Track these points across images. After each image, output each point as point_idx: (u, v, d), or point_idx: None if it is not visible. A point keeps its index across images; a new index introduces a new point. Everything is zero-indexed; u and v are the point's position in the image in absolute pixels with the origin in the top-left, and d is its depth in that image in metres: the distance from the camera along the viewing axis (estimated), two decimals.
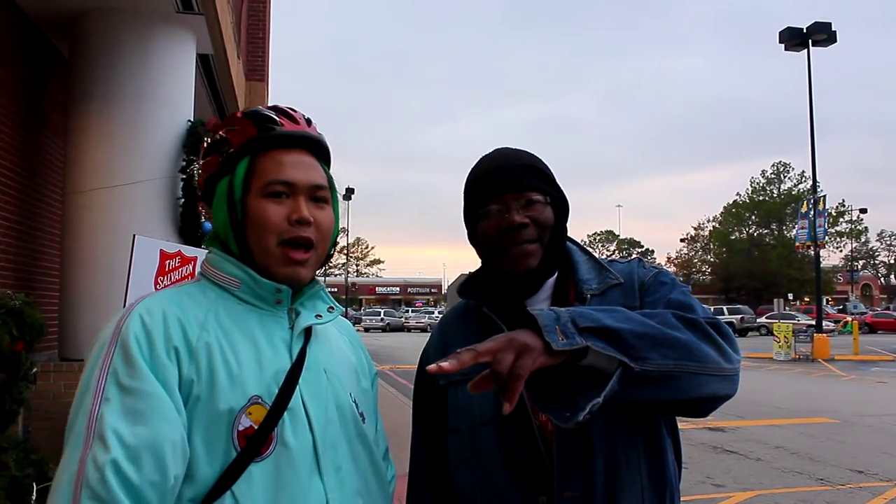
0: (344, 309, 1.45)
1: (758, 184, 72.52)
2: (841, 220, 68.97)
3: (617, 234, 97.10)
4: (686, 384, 1.20)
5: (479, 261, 1.53)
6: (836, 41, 28.94)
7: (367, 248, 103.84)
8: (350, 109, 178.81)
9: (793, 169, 70.91)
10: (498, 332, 1.37)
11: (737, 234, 73.20)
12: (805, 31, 28.85)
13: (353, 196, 64.06)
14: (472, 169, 1.49)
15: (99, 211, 5.80)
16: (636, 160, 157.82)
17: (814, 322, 29.34)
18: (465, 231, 1.51)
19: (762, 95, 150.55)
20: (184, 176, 6.05)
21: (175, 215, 6.04)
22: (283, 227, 1.27)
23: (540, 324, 1.10)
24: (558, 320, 1.11)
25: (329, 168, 1.39)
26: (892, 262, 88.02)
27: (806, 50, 28.79)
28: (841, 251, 74.50)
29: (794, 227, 43.59)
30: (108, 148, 5.89)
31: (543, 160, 1.49)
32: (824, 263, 50.83)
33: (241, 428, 1.16)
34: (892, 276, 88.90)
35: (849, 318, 41.51)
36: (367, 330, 51.70)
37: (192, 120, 6.36)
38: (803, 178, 66.89)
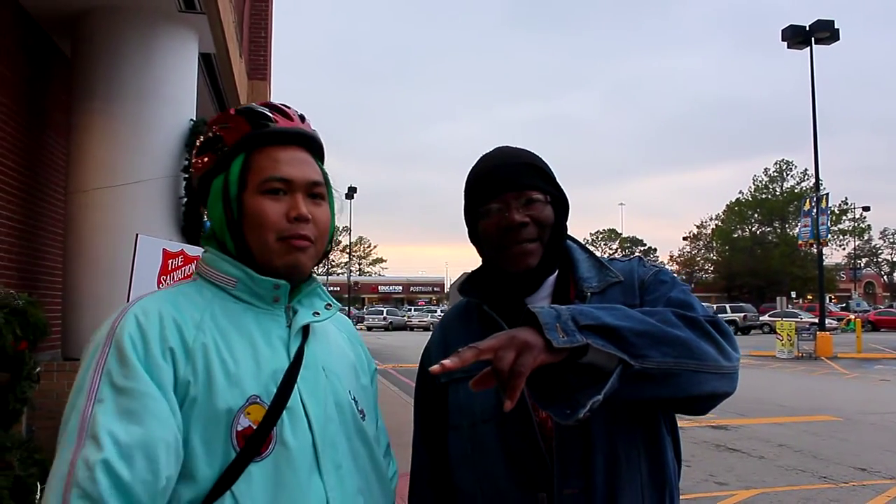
0: (341, 305, 1.43)
1: (760, 182, 72.47)
2: (844, 217, 68.85)
3: (619, 232, 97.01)
4: (686, 382, 1.20)
5: (481, 259, 1.53)
6: (838, 39, 28.94)
7: (369, 246, 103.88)
8: (352, 108, 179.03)
9: (795, 167, 70.86)
10: (499, 331, 1.38)
11: (739, 232, 73.16)
12: (808, 29, 28.84)
13: (355, 195, 64.13)
14: (473, 167, 1.49)
15: (101, 210, 5.81)
16: (638, 159, 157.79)
17: (817, 320, 29.35)
18: (467, 230, 1.51)
19: (764, 94, 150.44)
20: (186, 175, 6.06)
21: (178, 214, 6.05)
22: (283, 225, 1.27)
23: (540, 321, 1.10)
24: (559, 318, 1.12)
25: (323, 164, 1.39)
26: (895, 259, 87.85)
27: (809, 48, 28.76)
28: (844, 249, 74.40)
29: (796, 225, 43.49)
30: (111, 147, 5.90)
31: (544, 159, 1.49)
32: (827, 261, 50.83)
33: (239, 428, 1.15)
34: (895, 274, 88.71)
35: (852, 316, 41.44)
36: (369, 329, 51.70)
37: (194, 119, 6.37)
38: (806, 176, 66.85)
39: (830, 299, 59.03)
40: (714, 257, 76.23)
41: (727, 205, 75.27)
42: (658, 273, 1.46)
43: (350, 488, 1.25)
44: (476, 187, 1.46)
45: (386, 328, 51.74)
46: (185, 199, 6.06)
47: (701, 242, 78.35)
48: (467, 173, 1.50)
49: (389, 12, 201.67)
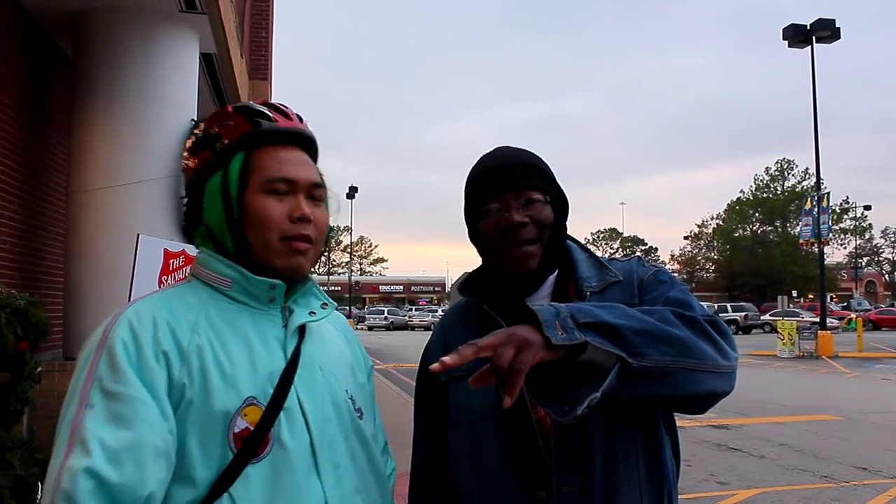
0: (337, 305, 1.43)
1: (761, 181, 72.42)
2: (845, 217, 68.83)
3: (620, 231, 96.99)
4: (683, 380, 1.21)
5: (481, 259, 1.54)
6: (839, 38, 28.92)
7: (370, 246, 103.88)
8: (353, 107, 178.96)
9: (796, 166, 70.83)
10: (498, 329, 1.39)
11: (740, 231, 73.13)
12: (809, 27, 28.82)
13: (356, 194, 64.16)
14: (473, 167, 1.50)
15: (103, 210, 5.82)
16: (639, 158, 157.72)
17: (818, 319, 29.29)
18: (467, 229, 1.52)
19: (765, 93, 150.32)
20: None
21: (179, 214, 6.05)
22: (286, 225, 1.27)
23: (540, 318, 1.11)
24: (558, 315, 1.12)
25: (317, 165, 1.40)
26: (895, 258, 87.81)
27: (809, 47, 28.74)
28: (845, 248, 74.41)
29: (797, 225, 43.46)
30: (112, 147, 5.90)
31: (543, 159, 1.50)
32: (828, 260, 50.82)
33: (236, 430, 1.15)
34: None
35: (853, 315, 41.42)
36: (370, 328, 51.69)
37: (195, 119, 6.37)
38: (807, 175, 66.81)
39: (831, 298, 58.99)
40: (715, 256, 76.18)
41: (728, 204, 75.25)
42: (657, 273, 1.47)
43: (348, 488, 1.25)
44: (476, 187, 1.46)
45: (387, 328, 51.73)
46: (186, 199, 6.05)
47: (702, 242, 78.31)
48: (467, 173, 1.51)
49: (390, 12, 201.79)
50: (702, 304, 1.42)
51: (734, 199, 74.60)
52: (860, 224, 73.68)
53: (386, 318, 53.57)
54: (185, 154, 1.35)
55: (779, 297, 30.92)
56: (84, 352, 1.17)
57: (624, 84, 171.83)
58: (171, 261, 3.95)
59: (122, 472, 1.04)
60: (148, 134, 5.95)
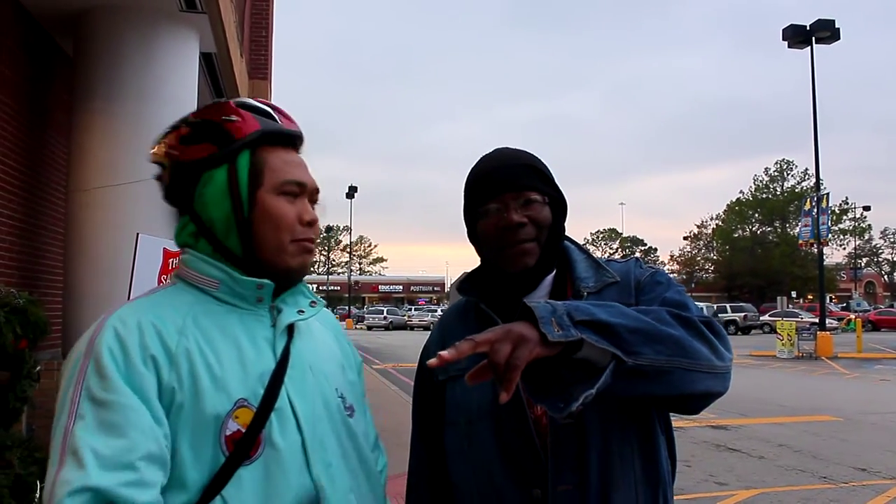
0: (325, 303, 1.44)
1: (761, 181, 72.49)
2: (844, 217, 68.87)
3: (620, 232, 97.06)
4: (678, 380, 1.21)
5: (480, 259, 1.55)
6: (839, 38, 28.95)
7: (369, 246, 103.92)
8: (353, 108, 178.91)
9: (796, 166, 70.91)
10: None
11: (740, 231, 73.19)
12: (808, 28, 28.84)
13: (355, 194, 64.19)
14: (472, 168, 1.51)
15: (102, 209, 5.81)
16: (638, 158, 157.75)
17: (817, 320, 29.32)
18: (466, 230, 1.53)
19: (764, 94, 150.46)
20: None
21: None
22: (297, 228, 1.28)
23: (536, 315, 1.11)
24: (554, 313, 1.13)
25: None
26: (895, 259, 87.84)
27: (809, 47, 28.76)
28: (844, 249, 74.43)
29: (797, 225, 43.51)
30: (112, 146, 5.90)
31: (543, 160, 1.51)
32: (827, 261, 50.87)
33: (228, 433, 1.14)
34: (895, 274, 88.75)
35: (852, 316, 41.41)
36: (369, 328, 51.72)
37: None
38: (806, 176, 66.89)
39: (831, 299, 59.00)
40: (714, 257, 76.27)
41: (728, 204, 75.36)
42: (654, 274, 1.48)
43: (341, 487, 1.25)
44: (475, 188, 1.47)
45: (386, 327, 51.74)
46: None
47: (701, 242, 78.41)
48: (467, 174, 1.51)
49: (390, 12, 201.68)
50: (698, 305, 1.43)
51: (734, 200, 74.71)
52: (859, 225, 73.75)
53: (385, 317, 53.59)
54: (176, 143, 1.30)
55: (778, 298, 30.90)
56: (71, 361, 1.15)
57: (624, 84, 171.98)
58: (171, 260, 3.95)
59: (117, 480, 1.03)
60: (148, 133, 5.85)
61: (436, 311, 54.46)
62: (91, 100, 5.96)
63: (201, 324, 1.20)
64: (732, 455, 8.59)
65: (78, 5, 5.93)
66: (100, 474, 1.02)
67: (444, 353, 1.06)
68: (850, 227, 71.75)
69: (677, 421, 1.59)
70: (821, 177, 30.07)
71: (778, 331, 25.07)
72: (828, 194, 30.51)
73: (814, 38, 28.64)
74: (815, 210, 29.40)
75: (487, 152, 1.52)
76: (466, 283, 1.56)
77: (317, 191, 1.34)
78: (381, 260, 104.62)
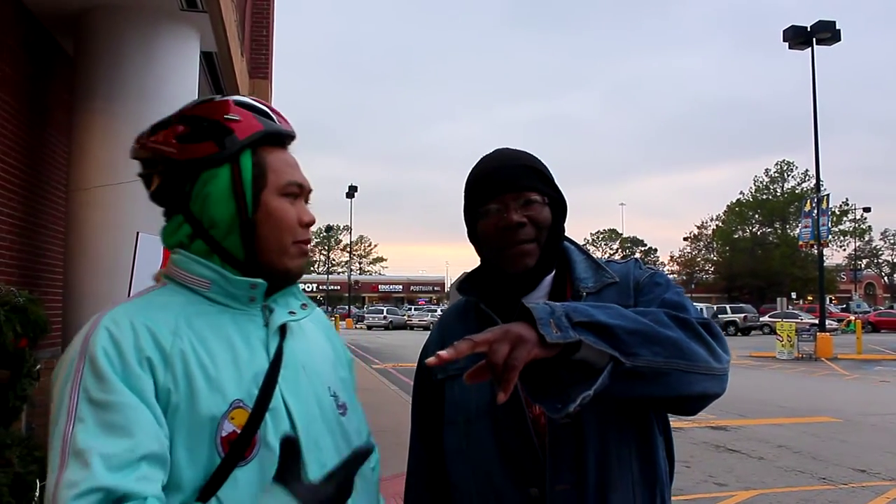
0: (316, 305, 1.43)
1: (761, 182, 72.50)
2: (844, 218, 68.87)
3: (620, 232, 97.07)
4: (676, 381, 1.22)
5: (479, 259, 1.56)
6: (840, 40, 28.95)
7: (369, 245, 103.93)
8: (353, 108, 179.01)
9: (796, 167, 70.96)
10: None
11: (740, 232, 73.22)
12: (809, 29, 28.84)
13: (355, 193, 64.20)
14: (473, 169, 1.51)
15: (102, 208, 5.82)
16: (639, 159, 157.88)
17: (817, 321, 29.32)
18: (466, 230, 1.53)
19: (765, 94, 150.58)
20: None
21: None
22: (298, 229, 1.28)
23: (535, 316, 1.11)
24: (553, 314, 1.13)
25: None
26: (895, 260, 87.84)
27: (810, 48, 28.75)
28: (844, 250, 74.46)
29: (797, 226, 43.51)
30: (112, 146, 5.90)
31: (543, 161, 1.52)
32: (827, 262, 50.84)
33: (224, 434, 1.14)
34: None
35: (852, 317, 41.44)
36: (369, 328, 51.71)
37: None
38: (807, 177, 66.89)
39: (831, 300, 59.05)
40: (714, 258, 76.30)
41: (728, 205, 75.39)
42: (654, 275, 1.49)
43: None
44: (475, 188, 1.48)
45: (386, 327, 51.73)
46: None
47: (701, 243, 78.45)
48: (467, 174, 1.52)
49: (391, 12, 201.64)
50: (698, 306, 1.44)
51: (734, 201, 74.74)
52: (859, 226, 73.79)
53: (385, 317, 53.57)
54: (172, 141, 1.26)
55: (778, 299, 30.90)
56: (64, 363, 1.14)
57: (624, 84, 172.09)
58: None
59: (126, 480, 1.02)
60: None
61: (436, 310, 54.46)
62: (91, 99, 5.96)
63: (194, 325, 1.19)
64: (732, 456, 8.59)
65: (79, 4, 5.93)
66: (106, 474, 1.01)
67: (442, 352, 1.06)
68: (851, 229, 71.78)
69: (677, 422, 1.59)
70: (821, 178, 30.09)
71: (778, 332, 25.06)
72: (828, 195, 30.51)
73: (814, 40, 28.65)
74: (816, 211, 29.40)
75: (488, 153, 1.53)
76: (466, 282, 1.56)
77: (311, 191, 1.34)
78: (381, 260, 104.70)
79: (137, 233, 4.01)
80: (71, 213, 6.06)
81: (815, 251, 31.63)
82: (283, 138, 1.32)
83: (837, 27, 28.76)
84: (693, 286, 72.04)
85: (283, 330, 1.28)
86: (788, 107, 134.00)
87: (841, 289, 75.22)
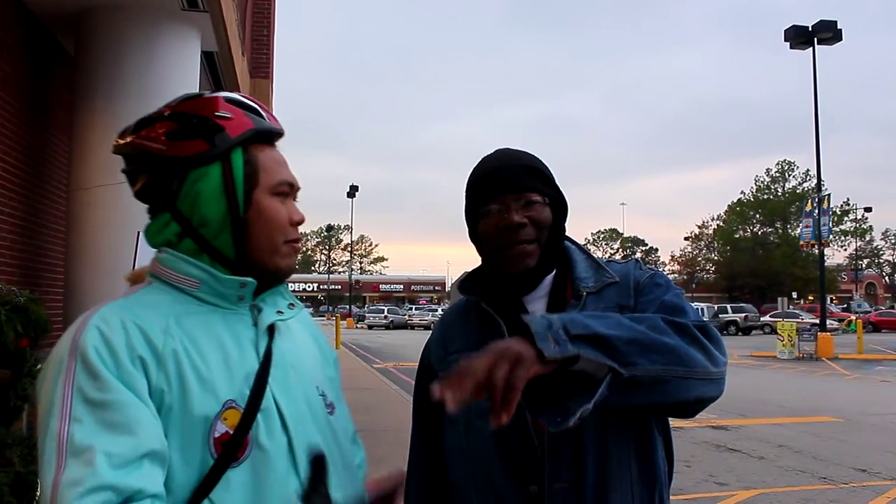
0: (304, 305, 1.42)
1: (762, 182, 72.51)
2: (845, 218, 68.89)
3: (621, 232, 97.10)
4: (674, 388, 1.22)
5: (480, 259, 1.56)
6: (841, 39, 28.92)
7: (370, 245, 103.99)
8: (354, 107, 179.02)
9: (797, 167, 70.96)
10: (496, 328, 1.41)
11: (741, 232, 73.22)
12: (811, 29, 28.81)
13: (356, 193, 64.20)
14: (474, 169, 1.52)
15: (103, 208, 5.82)
16: (639, 158, 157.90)
17: (818, 321, 29.29)
18: (467, 229, 1.54)
19: (765, 94, 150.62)
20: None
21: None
22: (288, 228, 1.28)
23: (532, 331, 1.11)
24: (550, 327, 1.13)
25: None
26: None
27: (811, 48, 28.72)
28: (845, 250, 74.48)
29: (798, 226, 43.47)
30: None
31: (544, 161, 1.52)
32: (828, 262, 50.81)
33: (217, 435, 1.12)
34: None
35: (853, 317, 41.42)
36: (370, 327, 51.70)
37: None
38: (808, 177, 66.89)
39: (832, 300, 59.02)
40: (715, 257, 76.30)
41: (729, 205, 75.44)
42: (654, 276, 1.49)
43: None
44: (477, 188, 1.48)
45: (387, 327, 51.72)
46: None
47: (702, 242, 78.45)
48: (469, 174, 1.53)
49: (391, 12, 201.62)
50: (698, 306, 1.44)
51: (735, 200, 74.79)
52: (860, 226, 73.79)
53: (386, 316, 53.55)
54: (161, 138, 1.23)
55: (779, 299, 30.93)
56: (53, 362, 1.11)
57: (624, 84, 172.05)
58: None
59: (131, 478, 1.01)
60: None
61: (436, 310, 54.45)
62: (92, 98, 5.97)
63: (184, 324, 1.18)
64: (732, 455, 8.59)
65: (79, 4, 5.93)
66: (111, 472, 1.00)
67: (447, 395, 1.05)
68: (852, 229, 71.78)
69: (677, 421, 1.60)
70: (822, 178, 30.06)
71: (778, 331, 25.05)
72: (829, 195, 30.48)
73: (816, 39, 28.60)
74: (817, 211, 29.38)
75: (489, 153, 1.54)
76: (467, 282, 1.57)
77: (299, 189, 1.33)
78: (381, 259, 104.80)
79: (138, 232, 4.01)
80: (72, 213, 6.07)
81: (816, 251, 31.59)
82: (272, 136, 1.31)
83: (839, 27, 28.74)
84: (694, 286, 72.04)
85: (271, 329, 1.27)
86: (789, 106, 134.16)
87: (842, 289, 75.19)
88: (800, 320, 30.17)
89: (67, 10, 6.01)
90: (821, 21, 28.76)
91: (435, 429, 1.55)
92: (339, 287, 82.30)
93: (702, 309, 35.17)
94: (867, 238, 79.63)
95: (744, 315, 42.28)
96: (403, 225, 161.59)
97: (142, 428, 1.05)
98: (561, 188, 1.51)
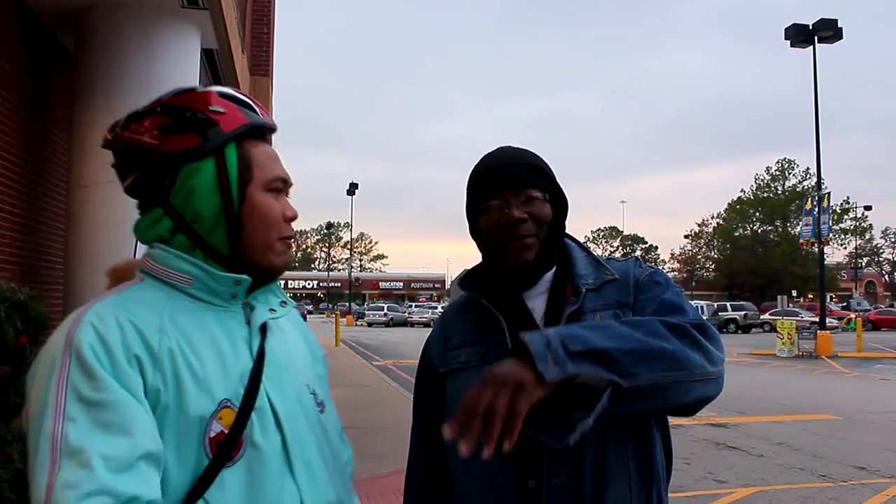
0: (295, 303, 1.40)
1: (762, 180, 72.53)
2: (845, 217, 68.93)
3: (621, 230, 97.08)
4: (674, 393, 1.23)
5: (481, 256, 1.57)
6: (841, 38, 28.88)
7: (370, 242, 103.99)
8: (354, 104, 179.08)
9: (797, 166, 70.97)
10: (495, 324, 1.43)
11: (741, 230, 73.24)
12: (811, 27, 28.78)
13: (356, 190, 64.16)
14: (475, 166, 1.53)
15: (103, 205, 5.82)
16: (639, 156, 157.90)
17: (817, 319, 29.29)
18: (468, 226, 1.55)
19: (766, 92, 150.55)
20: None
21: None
22: (282, 225, 1.26)
23: (532, 352, 1.11)
24: (549, 346, 1.13)
25: None
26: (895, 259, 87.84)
27: (811, 46, 28.70)
28: (845, 248, 74.55)
29: (798, 224, 43.48)
30: None
31: (544, 159, 1.53)
32: (828, 260, 50.86)
33: (212, 434, 1.11)
34: None
35: (852, 316, 41.44)
36: (370, 325, 51.71)
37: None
38: (808, 175, 66.93)
39: (831, 298, 59.01)
40: (715, 255, 76.34)
41: (729, 203, 75.47)
42: (653, 274, 1.50)
43: (321, 485, 1.24)
44: (478, 185, 1.49)
45: (386, 324, 51.75)
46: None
47: (702, 240, 78.47)
48: (470, 172, 1.53)
49: (391, 9, 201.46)
50: (698, 304, 1.45)
51: (735, 199, 74.83)
52: (860, 224, 73.80)
53: (385, 314, 53.58)
54: (153, 132, 1.20)
55: (778, 297, 30.92)
56: (46, 360, 1.09)
57: (624, 82, 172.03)
58: None
59: (129, 481, 0.99)
60: None
61: (436, 307, 54.46)
62: (92, 96, 5.96)
63: (179, 322, 1.16)
64: (732, 453, 8.60)
65: (79, 1, 5.92)
66: (109, 476, 0.98)
67: (451, 430, 1.08)
68: (851, 227, 71.82)
69: (677, 419, 1.60)
70: (822, 176, 30.06)
71: (778, 329, 25.07)
72: (829, 193, 30.47)
73: (816, 38, 28.57)
74: (817, 209, 29.36)
75: (490, 151, 1.55)
76: (468, 278, 1.58)
77: (291, 185, 1.32)
78: (381, 257, 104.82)
79: None
80: (71, 210, 6.07)
81: (816, 249, 31.57)
82: (265, 131, 1.30)
83: (839, 25, 28.71)
84: (694, 284, 72.05)
85: (263, 328, 1.26)
86: (789, 105, 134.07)
87: (841, 287, 75.18)
88: (799, 318, 30.15)
89: (67, 7, 6.00)
90: (821, 19, 28.72)
91: (435, 424, 1.54)
92: (339, 284, 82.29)
93: (701, 307, 35.20)
94: (867, 236, 79.72)
95: (743, 313, 42.29)
96: (403, 222, 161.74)
97: (138, 429, 1.03)
98: (561, 186, 1.52)
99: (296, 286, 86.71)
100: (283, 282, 1.36)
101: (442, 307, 49.95)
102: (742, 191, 74.70)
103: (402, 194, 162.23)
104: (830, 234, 32.84)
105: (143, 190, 1.24)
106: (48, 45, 6.44)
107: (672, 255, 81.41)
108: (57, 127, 6.66)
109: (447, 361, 1.52)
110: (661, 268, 1.60)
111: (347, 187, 64.20)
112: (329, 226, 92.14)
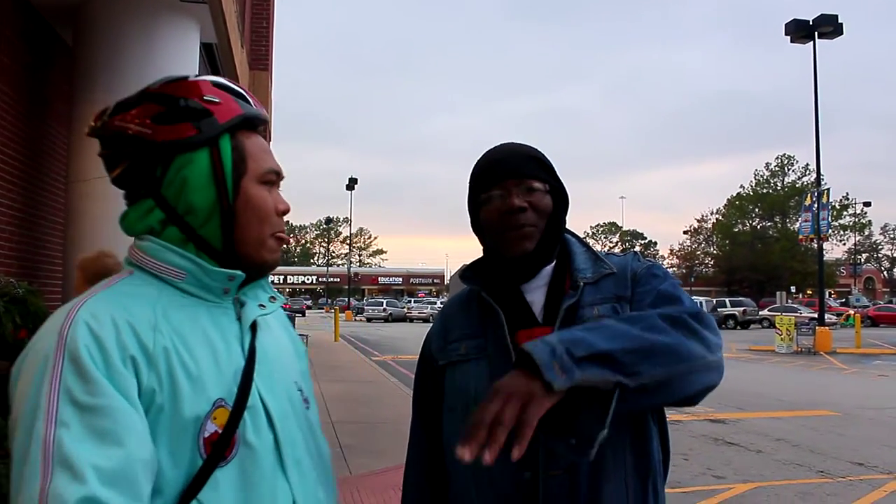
0: (284, 299, 1.39)
1: (762, 176, 72.53)
2: (844, 213, 68.92)
3: (620, 225, 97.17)
4: (678, 386, 1.24)
5: (482, 249, 1.57)
6: (842, 33, 28.84)
7: (369, 237, 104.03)
8: (353, 100, 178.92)
9: (797, 162, 70.99)
10: (494, 316, 1.44)
11: (740, 226, 73.25)
12: (811, 23, 28.74)
13: (355, 185, 64.15)
14: (478, 160, 1.54)
15: (102, 200, 5.81)
16: (639, 152, 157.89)
17: (816, 315, 29.32)
18: (468, 221, 1.56)
19: (766, 88, 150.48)
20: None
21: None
22: (275, 219, 1.24)
23: (537, 361, 1.11)
24: (554, 354, 1.12)
25: None
26: (895, 255, 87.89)
27: (812, 42, 28.66)
28: (844, 244, 74.58)
29: (797, 220, 43.51)
30: None
31: (546, 154, 1.54)
32: (827, 256, 50.81)
33: (206, 434, 1.09)
34: (895, 270, 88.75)
35: (851, 312, 41.46)
36: (369, 320, 51.73)
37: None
38: (807, 171, 66.89)
39: (830, 294, 59.10)
40: (714, 251, 76.35)
41: (728, 199, 75.46)
42: (651, 267, 1.51)
43: (311, 482, 1.23)
44: (480, 176, 1.50)
45: (386, 319, 51.76)
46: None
47: (701, 236, 78.46)
48: (472, 166, 1.54)
49: (391, 5, 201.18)
50: (697, 300, 1.46)
51: (734, 195, 74.83)
52: (860, 220, 73.87)
53: (384, 309, 53.58)
54: (146, 121, 1.17)
55: (777, 293, 31.06)
56: (37, 358, 1.05)
57: (624, 77, 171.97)
58: None
59: (122, 493, 0.96)
60: None
61: (435, 303, 54.47)
62: (91, 90, 5.95)
63: (171, 319, 1.12)
64: (730, 449, 8.61)
65: None
66: (101, 489, 0.95)
67: (464, 451, 1.08)
68: (851, 223, 71.84)
69: (675, 415, 1.60)
70: (822, 172, 30.03)
71: (777, 325, 25.09)
72: (828, 190, 30.48)
73: (816, 33, 28.52)
74: (816, 205, 29.37)
75: (492, 146, 1.56)
76: (469, 272, 1.58)
77: (283, 178, 1.30)
78: (380, 252, 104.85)
79: None
80: (70, 205, 6.06)
81: (815, 245, 31.57)
82: (258, 123, 1.27)
83: (840, 21, 28.66)
84: (693, 279, 72.11)
85: (253, 324, 1.23)
86: (789, 101, 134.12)
87: (840, 283, 75.30)
88: (798, 314, 30.22)
89: (66, 1, 5.99)
90: (821, 15, 28.68)
91: (434, 419, 1.56)
92: (338, 280, 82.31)
93: (700, 303, 35.16)
94: (866, 233, 79.77)
95: (742, 309, 42.28)
96: (402, 218, 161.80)
97: (131, 437, 1.00)
98: (562, 181, 1.53)
99: (295, 281, 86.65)
100: (282, 276, 1.36)
101: (441, 302, 50.01)
102: (741, 187, 74.75)
103: (401, 190, 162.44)
104: (829, 231, 32.89)
105: (133, 180, 1.21)
106: (47, 38, 6.43)
107: (671, 250, 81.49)
108: (56, 121, 6.65)
109: (447, 354, 1.53)
110: (658, 262, 1.60)
111: (347, 182, 64.21)
112: (328, 221, 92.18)
